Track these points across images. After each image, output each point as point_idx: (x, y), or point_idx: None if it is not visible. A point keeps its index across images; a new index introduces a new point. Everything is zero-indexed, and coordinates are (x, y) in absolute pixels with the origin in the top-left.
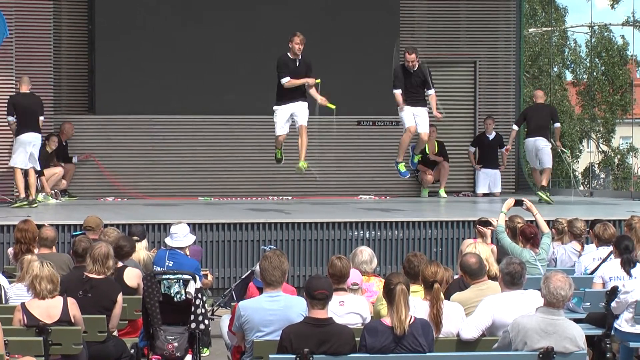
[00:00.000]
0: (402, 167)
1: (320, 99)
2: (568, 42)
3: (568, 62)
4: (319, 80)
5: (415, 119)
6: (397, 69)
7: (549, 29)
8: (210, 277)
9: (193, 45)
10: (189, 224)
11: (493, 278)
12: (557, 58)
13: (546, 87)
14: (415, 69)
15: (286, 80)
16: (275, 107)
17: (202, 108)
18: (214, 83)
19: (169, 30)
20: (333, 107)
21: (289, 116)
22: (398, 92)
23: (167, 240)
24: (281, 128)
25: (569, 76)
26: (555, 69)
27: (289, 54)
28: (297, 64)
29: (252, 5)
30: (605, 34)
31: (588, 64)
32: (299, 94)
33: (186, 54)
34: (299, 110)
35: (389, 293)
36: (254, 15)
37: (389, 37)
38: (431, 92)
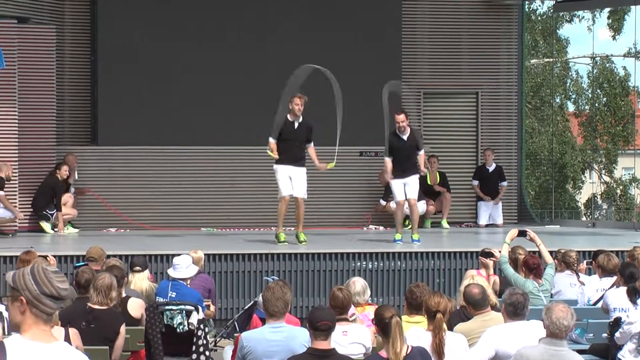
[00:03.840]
0: (397, 236)
1: (319, 166)
2: (570, 73)
3: (570, 93)
4: (332, 165)
5: (405, 188)
6: (390, 137)
7: (551, 60)
8: (212, 308)
9: (196, 76)
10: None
11: (492, 308)
12: (559, 89)
13: (548, 118)
14: (408, 134)
15: (270, 141)
16: (275, 167)
17: (205, 139)
18: (217, 114)
19: (172, 62)
20: (332, 165)
21: (289, 177)
22: (388, 160)
23: (170, 271)
24: (284, 188)
25: (571, 107)
26: (557, 100)
27: (288, 115)
28: (296, 127)
29: (256, 37)
30: (607, 65)
31: (590, 95)
32: (297, 157)
33: (189, 86)
34: (297, 177)
35: (383, 326)
36: (257, 47)
37: (391, 67)
38: (421, 152)
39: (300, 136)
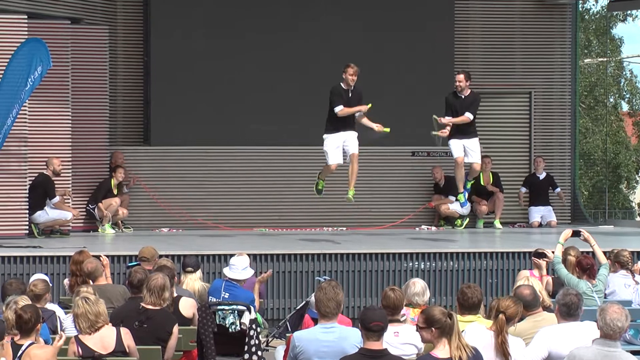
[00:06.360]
0: (461, 198)
1: (376, 127)
2: (624, 73)
3: (624, 93)
4: (370, 105)
5: (466, 150)
6: (448, 96)
7: (605, 59)
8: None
9: (248, 76)
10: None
11: (545, 309)
12: (612, 88)
13: (602, 118)
14: (467, 94)
15: (340, 109)
16: (324, 136)
17: (257, 139)
18: (270, 114)
19: (225, 61)
20: (388, 130)
21: (341, 144)
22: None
23: (225, 271)
24: (333, 156)
25: (625, 106)
26: (611, 100)
27: (342, 84)
28: (350, 94)
29: (310, 37)
30: None
31: None
32: (349, 123)
33: (242, 85)
34: (350, 139)
35: (443, 326)
36: (308, 47)
37: (444, 67)
38: (468, 115)
39: (353, 103)
